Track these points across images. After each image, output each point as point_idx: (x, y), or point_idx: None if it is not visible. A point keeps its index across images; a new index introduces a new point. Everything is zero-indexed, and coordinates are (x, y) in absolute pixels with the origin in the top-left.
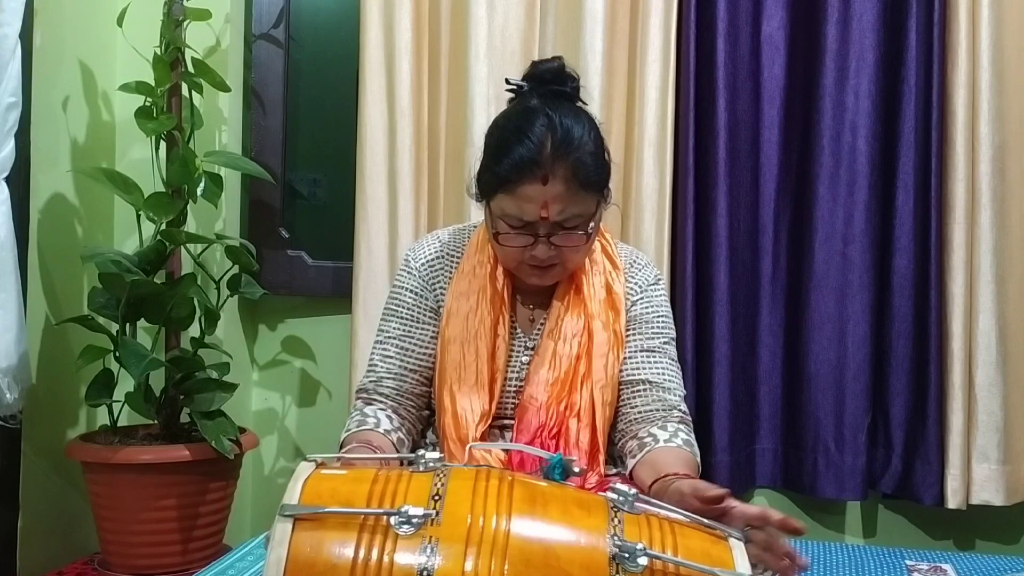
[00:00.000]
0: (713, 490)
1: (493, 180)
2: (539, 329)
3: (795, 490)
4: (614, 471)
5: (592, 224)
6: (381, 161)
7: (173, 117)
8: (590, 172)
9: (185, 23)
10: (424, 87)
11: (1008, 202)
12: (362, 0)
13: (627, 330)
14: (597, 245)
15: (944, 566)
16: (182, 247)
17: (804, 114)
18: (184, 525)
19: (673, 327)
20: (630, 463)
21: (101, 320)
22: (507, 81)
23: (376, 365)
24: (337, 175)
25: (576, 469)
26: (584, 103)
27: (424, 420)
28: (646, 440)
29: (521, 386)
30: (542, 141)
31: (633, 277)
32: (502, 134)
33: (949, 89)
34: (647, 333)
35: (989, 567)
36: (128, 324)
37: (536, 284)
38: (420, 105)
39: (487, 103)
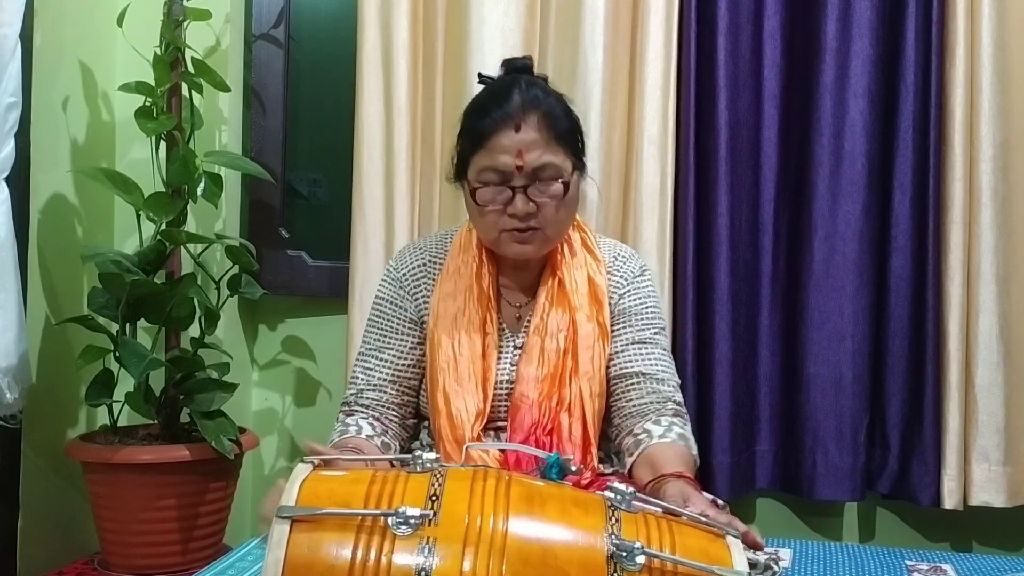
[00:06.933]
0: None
1: (469, 144)
2: (526, 327)
3: (793, 493)
4: (611, 470)
5: (568, 178)
6: (378, 160)
7: (173, 117)
8: (561, 122)
9: (185, 23)
10: (420, 86)
11: (1012, 201)
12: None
13: (617, 324)
14: (577, 238)
15: (944, 566)
16: (182, 247)
17: (803, 112)
18: (184, 525)
19: (663, 317)
20: (628, 461)
21: (101, 320)
22: (480, 75)
23: (357, 378)
24: (337, 175)
25: (573, 468)
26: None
27: (409, 429)
28: (641, 437)
29: (511, 386)
30: (511, 96)
31: (618, 271)
32: (476, 102)
33: (947, 88)
34: (637, 325)
35: (989, 567)
36: (128, 324)
37: (519, 254)
38: (417, 104)
39: None
